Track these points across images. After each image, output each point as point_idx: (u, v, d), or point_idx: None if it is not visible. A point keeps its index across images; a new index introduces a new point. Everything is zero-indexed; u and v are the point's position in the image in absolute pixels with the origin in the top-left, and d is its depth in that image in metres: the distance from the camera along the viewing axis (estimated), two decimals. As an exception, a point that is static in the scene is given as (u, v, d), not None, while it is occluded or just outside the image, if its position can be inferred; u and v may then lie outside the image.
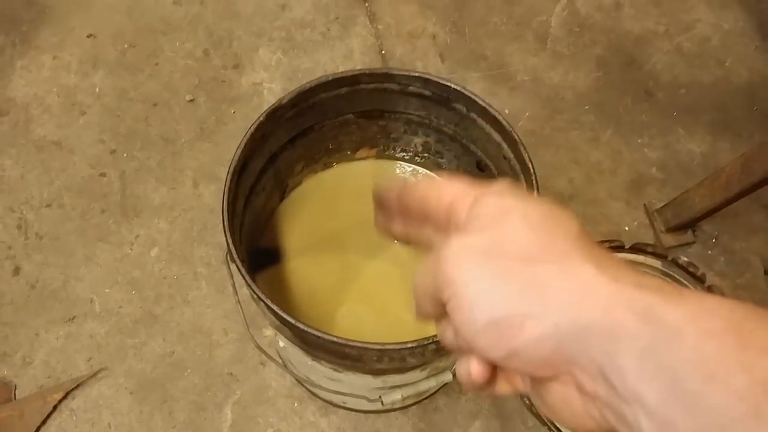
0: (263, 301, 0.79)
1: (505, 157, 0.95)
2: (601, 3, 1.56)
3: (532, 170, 0.87)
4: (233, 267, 0.85)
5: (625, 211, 1.32)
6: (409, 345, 0.76)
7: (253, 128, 0.89)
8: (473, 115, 0.96)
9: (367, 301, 1.04)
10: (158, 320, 1.20)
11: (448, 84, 0.94)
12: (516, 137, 0.90)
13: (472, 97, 0.92)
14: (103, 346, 1.18)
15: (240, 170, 0.90)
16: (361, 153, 1.12)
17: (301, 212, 1.10)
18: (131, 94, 1.41)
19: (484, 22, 1.52)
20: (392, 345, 0.76)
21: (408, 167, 1.13)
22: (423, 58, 1.47)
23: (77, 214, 1.29)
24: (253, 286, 0.79)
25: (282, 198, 1.10)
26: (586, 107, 1.42)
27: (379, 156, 1.13)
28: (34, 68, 1.44)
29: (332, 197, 1.11)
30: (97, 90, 1.42)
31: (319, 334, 0.76)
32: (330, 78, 0.93)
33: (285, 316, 0.77)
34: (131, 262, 1.25)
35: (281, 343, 0.95)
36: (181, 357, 1.17)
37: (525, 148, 0.89)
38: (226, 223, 0.84)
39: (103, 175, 1.33)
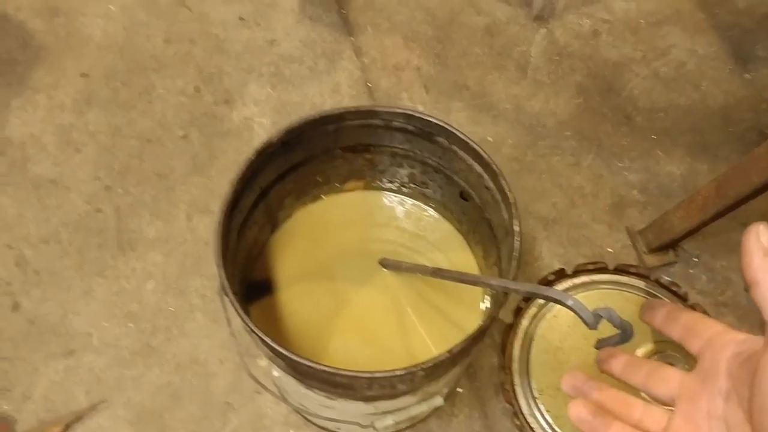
0: (256, 334, 0.82)
1: (486, 188, 0.98)
2: (579, 31, 1.60)
3: (511, 200, 0.91)
4: (227, 300, 0.88)
5: (608, 233, 1.36)
6: (398, 372, 0.79)
7: (244, 166, 0.93)
8: (455, 148, 1.00)
9: (358, 331, 1.07)
10: (155, 352, 1.23)
11: (430, 119, 0.98)
12: (495, 168, 0.93)
13: (453, 130, 0.96)
14: (102, 378, 1.21)
15: (232, 206, 0.93)
16: (349, 185, 1.16)
17: (292, 244, 1.13)
18: (125, 131, 1.45)
19: (466, 53, 1.56)
20: (381, 373, 0.79)
21: (395, 198, 1.17)
22: (408, 90, 1.51)
23: (74, 249, 1.32)
24: (246, 319, 0.82)
25: (273, 230, 1.13)
26: (567, 133, 1.46)
27: (367, 187, 1.17)
28: (29, 108, 1.48)
29: (321, 228, 1.15)
30: (92, 128, 1.46)
31: (311, 364, 0.79)
32: (317, 116, 0.97)
33: (277, 347, 0.80)
34: (128, 295, 1.29)
35: (275, 373, 0.98)
36: (179, 387, 1.20)
37: (505, 179, 0.93)
38: (219, 259, 0.88)
39: (98, 210, 1.36)
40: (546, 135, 1.46)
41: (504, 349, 1.23)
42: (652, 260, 1.32)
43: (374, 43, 1.58)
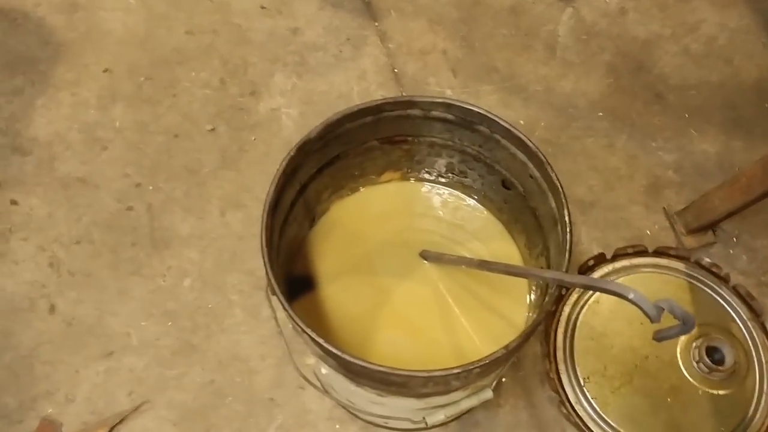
0: (308, 334, 0.81)
1: (531, 176, 0.97)
2: (607, 9, 1.58)
3: (560, 189, 0.89)
4: (274, 299, 0.87)
5: (645, 215, 1.34)
6: (454, 371, 0.78)
7: (284, 163, 0.92)
8: (497, 136, 0.98)
9: (402, 324, 1.06)
10: (196, 350, 1.23)
11: (472, 108, 0.96)
12: (542, 157, 0.92)
13: (496, 119, 0.95)
14: (143, 379, 1.20)
15: (274, 205, 0.92)
16: (386, 176, 1.14)
17: (331, 238, 1.12)
18: (152, 127, 1.44)
19: (493, 35, 1.54)
20: (438, 372, 0.78)
21: (433, 188, 1.15)
22: (435, 74, 1.49)
23: (107, 249, 1.31)
24: (296, 319, 0.81)
25: (311, 225, 1.12)
26: (600, 114, 1.44)
27: (404, 178, 1.15)
28: (53, 106, 1.46)
29: (360, 221, 1.14)
30: (118, 124, 1.44)
31: (365, 364, 0.78)
32: (355, 109, 0.96)
33: (330, 347, 0.79)
34: (165, 293, 1.28)
35: (323, 370, 0.97)
36: (221, 385, 1.19)
37: (552, 168, 0.91)
38: (266, 259, 0.86)
39: (130, 208, 1.35)
40: (578, 116, 1.44)
41: (547, 336, 1.22)
42: (691, 241, 1.30)
43: (399, 28, 1.55)
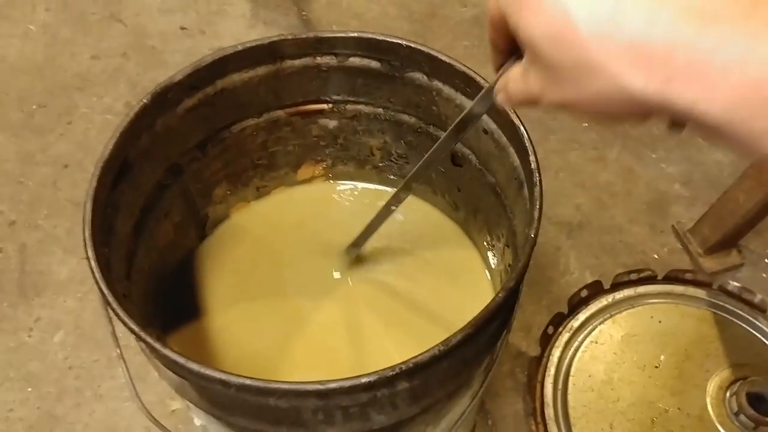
0: (138, 335, 0.52)
1: (485, 131, 0.70)
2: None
3: (525, 135, 0.62)
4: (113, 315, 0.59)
5: (650, 236, 1.06)
6: (363, 380, 0.49)
7: (133, 114, 0.65)
8: (437, 84, 0.72)
9: (320, 362, 0.76)
10: (60, 423, 0.92)
11: (399, 41, 0.71)
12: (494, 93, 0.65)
13: (429, 51, 0.69)
14: (-16, 464, 0.89)
15: (117, 170, 0.64)
16: (305, 171, 0.87)
17: (229, 254, 0.83)
18: (38, 157, 1.18)
19: (453, 46, 1.31)
20: (338, 382, 0.49)
21: (365, 188, 0.87)
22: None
23: (-38, 299, 1.02)
24: (121, 312, 0.53)
25: (202, 235, 0.83)
26: (585, 124, 1.19)
27: (328, 174, 0.87)
28: None
29: (269, 232, 0.85)
30: (-3, 156, 1.18)
31: (221, 376, 0.49)
32: (239, 48, 0.70)
33: (167, 352, 0.50)
34: (28, 351, 0.98)
35: (197, 421, 0.66)
36: (89, 470, 0.87)
37: (514, 111, 0.64)
38: (87, 233, 0.58)
39: (-2, 250, 1.07)
40: (558, 128, 1.18)
41: (532, 390, 0.91)
42: (711, 263, 1.02)
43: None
